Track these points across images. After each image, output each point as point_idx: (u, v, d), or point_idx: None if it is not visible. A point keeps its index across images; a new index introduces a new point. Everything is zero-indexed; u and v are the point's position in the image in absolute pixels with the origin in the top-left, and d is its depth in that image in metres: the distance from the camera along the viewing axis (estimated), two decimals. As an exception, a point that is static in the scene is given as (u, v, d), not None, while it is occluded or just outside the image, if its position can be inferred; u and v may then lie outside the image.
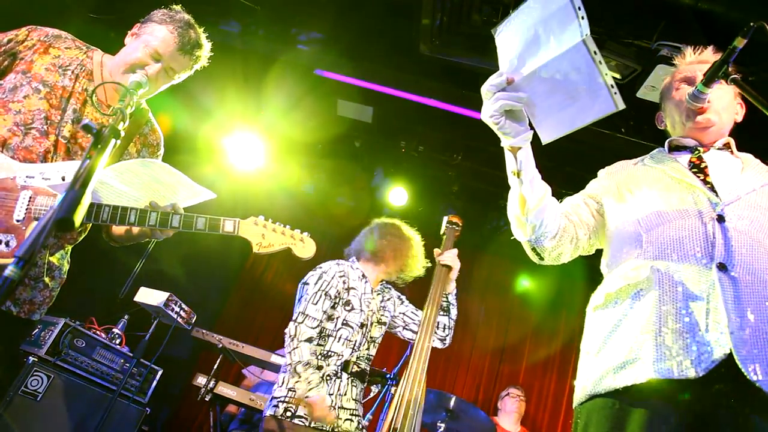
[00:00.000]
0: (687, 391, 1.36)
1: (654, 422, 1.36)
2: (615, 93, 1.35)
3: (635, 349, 1.43)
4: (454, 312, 3.14)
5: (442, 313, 3.11)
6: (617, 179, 1.86)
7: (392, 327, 3.29)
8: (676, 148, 1.87)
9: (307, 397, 2.68)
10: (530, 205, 1.62)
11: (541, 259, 1.78)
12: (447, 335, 3.14)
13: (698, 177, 1.67)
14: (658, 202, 1.66)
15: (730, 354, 1.32)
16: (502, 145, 1.57)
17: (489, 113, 1.48)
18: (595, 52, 1.31)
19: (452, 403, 4.07)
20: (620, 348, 1.47)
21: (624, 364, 1.43)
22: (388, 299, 3.28)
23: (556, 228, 1.71)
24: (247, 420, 4.56)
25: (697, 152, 1.79)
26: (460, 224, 3.21)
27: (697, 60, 1.88)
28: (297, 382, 2.72)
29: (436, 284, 2.95)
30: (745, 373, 1.29)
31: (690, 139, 1.83)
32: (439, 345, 3.16)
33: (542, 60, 1.38)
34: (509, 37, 1.46)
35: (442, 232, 3.19)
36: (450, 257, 3.05)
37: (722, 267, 1.43)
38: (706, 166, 1.72)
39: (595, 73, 1.34)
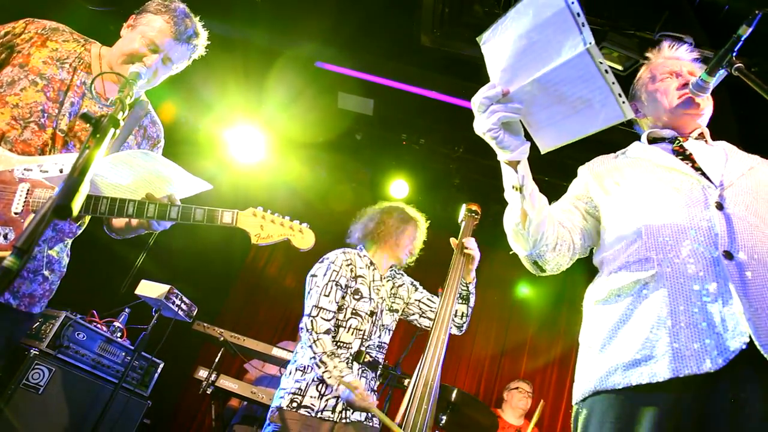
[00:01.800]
0: (702, 386, 1.33)
1: (666, 418, 1.33)
2: (623, 102, 1.30)
3: (648, 347, 1.39)
4: (473, 300, 3.11)
5: (461, 301, 3.07)
6: (601, 174, 1.83)
7: (407, 315, 3.24)
8: (653, 141, 1.87)
9: (341, 381, 2.64)
10: (532, 220, 1.57)
11: (543, 271, 1.74)
12: (464, 322, 3.11)
13: (687, 164, 1.66)
14: (652, 193, 1.64)
15: (749, 344, 1.30)
16: (499, 159, 1.50)
17: (486, 127, 1.40)
18: (600, 62, 1.26)
19: (454, 395, 4.07)
20: (630, 344, 1.44)
21: (637, 362, 1.40)
22: (400, 285, 3.24)
23: (555, 238, 1.67)
24: (249, 415, 4.56)
25: (677, 141, 1.78)
26: (479, 212, 3.15)
27: (673, 56, 1.90)
28: (325, 371, 2.67)
29: (454, 274, 2.87)
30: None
31: (669, 129, 1.83)
32: (455, 332, 3.12)
33: (541, 70, 1.32)
34: (499, 45, 1.38)
35: (460, 219, 3.13)
36: (474, 246, 2.99)
37: (728, 255, 1.41)
38: (691, 154, 1.71)
39: (601, 83, 1.29)
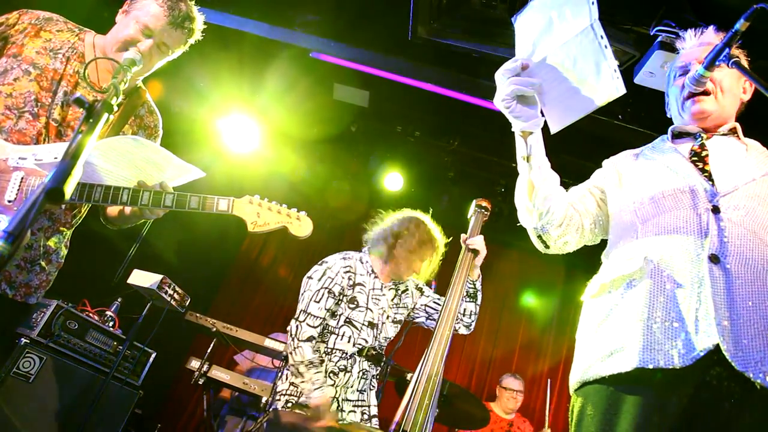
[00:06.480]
0: (680, 380, 1.36)
1: (647, 410, 1.36)
2: (618, 77, 1.36)
3: (623, 338, 1.44)
4: (480, 298, 3.05)
5: (468, 299, 3.01)
6: (618, 169, 1.85)
7: (413, 318, 3.17)
8: (679, 136, 1.85)
9: (309, 398, 2.59)
10: (538, 192, 1.63)
11: (547, 247, 1.78)
12: (473, 321, 3.06)
13: (697, 166, 1.65)
14: (654, 193, 1.65)
15: (719, 345, 1.32)
16: (513, 129, 1.57)
17: (501, 97, 1.50)
18: (602, 37, 1.33)
19: (446, 389, 4.07)
20: (610, 336, 1.48)
21: (612, 353, 1.45)
22: (404, 291, 3.13)
23: (562, 216, 1.71)
24: (239, 406, 4.56)
25: (699, 139, 1.76)
26: (489, 208, 3.07)
27: (698, 42, 1.85)
28: (302, 381, 2.63)
29: (461, 270, 2.80)
30: (733, 364, 1.30)
31: (693, 125, 1.80)
32: (464, 331, 3.07)
33: (553, 46, 1.41)
34: (527, 23, 1.49)
35: (469, 215, 3.06)
36: (479, 241, 2.88)
37: (714, 258, 1.42)
38: (706, 155, 1.69)
39: (600, 58, 1.36)
